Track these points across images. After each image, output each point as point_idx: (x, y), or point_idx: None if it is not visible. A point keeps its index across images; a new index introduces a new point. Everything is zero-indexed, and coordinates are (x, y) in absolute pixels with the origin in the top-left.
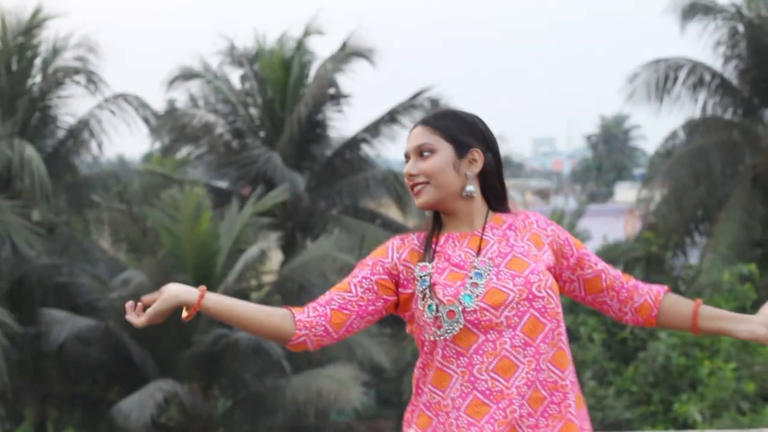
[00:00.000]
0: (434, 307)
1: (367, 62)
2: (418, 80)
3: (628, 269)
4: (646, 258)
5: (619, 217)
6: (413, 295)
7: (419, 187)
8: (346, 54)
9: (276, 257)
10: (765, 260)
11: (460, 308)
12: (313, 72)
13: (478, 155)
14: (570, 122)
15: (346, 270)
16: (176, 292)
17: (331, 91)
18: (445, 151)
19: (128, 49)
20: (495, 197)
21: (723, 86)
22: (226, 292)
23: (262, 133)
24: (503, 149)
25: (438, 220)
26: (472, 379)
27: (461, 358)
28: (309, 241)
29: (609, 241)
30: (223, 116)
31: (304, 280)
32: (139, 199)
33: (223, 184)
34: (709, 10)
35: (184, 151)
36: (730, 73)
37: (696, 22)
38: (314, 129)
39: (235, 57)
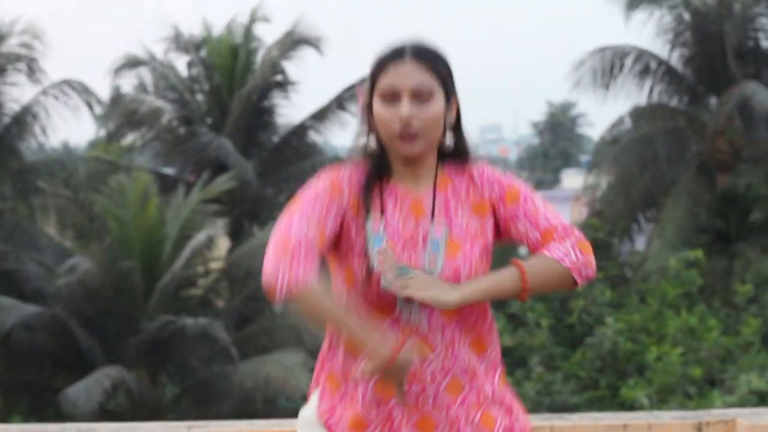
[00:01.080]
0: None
1: (314, 50)
2: (364, 67)
3: None
4: (592, 244)
5: (565, 204)
6: (349, 242)
7: (413, 135)
8: (294, 41)
9: (223, 244)
10: (711, 246)
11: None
12: (260, 59)
13: (455, 102)
14: (516, 109)
15: None
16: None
17: (278, 77)
18: (439, 98)
19: (72, 36)
20: (460, 142)
21: (669, 74)
22: (174, 279)
23: (209, 120)
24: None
25: (382, 162)
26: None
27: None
28: (256, 228)
29: None
30: (170, 102)
31: (251, 266)
32: (85, 186)
33: (169, 170)
34: None
35: (129, 138)
36: (676, 60)
37: (642, 10)
38: (261, 115)
39: (180, 44)
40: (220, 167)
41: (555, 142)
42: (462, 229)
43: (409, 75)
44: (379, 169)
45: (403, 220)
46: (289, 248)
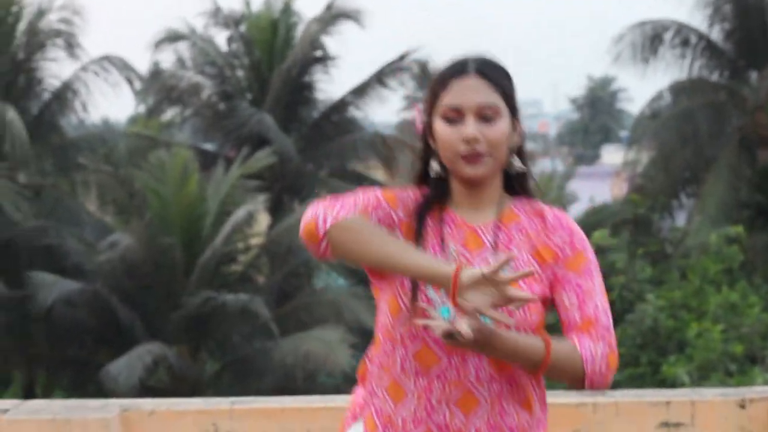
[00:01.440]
0: (452, 315)
1: (354, 23)
2: (406, 42)
3: (615, 231)
4: (633, 220)
5: (605, 179)
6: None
7: (478, 155)
8: (333, 15)
9: (264, 220)
10: (752, 222)
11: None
12: (299, 34)
13: (519, 125)
14: (556, 84)
15: None
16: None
17: (318, 53)
18: (505, 118)
19: (112, 11)
20: (516, 176)
21: (709, 48)
22: (214, 255)
23: (249, 95)
24: None
25: (442, 187)
26: (428, 407)
27: (420, 378)
28: (297, 204)
29: (596, 203)
30: (210, 78)
31: (291, 242)
32: (125, 162)
33: (209, 146)
34: None
35: (169, 114)
36: (717, 34)
37: None
38: (301, 91)
39: (220, 18)
40: (260, 143)
41: (594, 117)
42: (525, 272)
43: (473, 92)
44: (439, 194)
45: (457, 257)
46: (328, 202)
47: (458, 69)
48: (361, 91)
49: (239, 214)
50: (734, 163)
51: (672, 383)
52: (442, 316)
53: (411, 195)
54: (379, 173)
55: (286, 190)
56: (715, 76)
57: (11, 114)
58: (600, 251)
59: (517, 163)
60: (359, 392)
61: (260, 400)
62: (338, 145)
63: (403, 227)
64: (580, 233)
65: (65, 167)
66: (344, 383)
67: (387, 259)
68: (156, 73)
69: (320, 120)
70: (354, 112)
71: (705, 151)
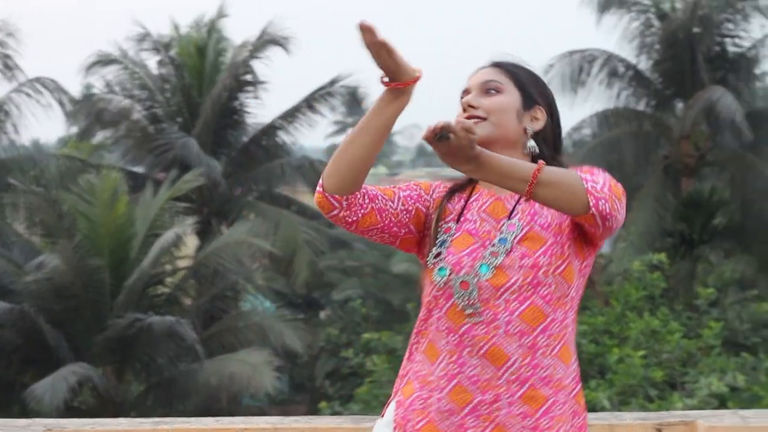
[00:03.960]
0: (446, 273)
1: (282, 50)
2: (334, 68)
3: None
4: None
5: None
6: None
7: (476, 120)
8: (263, 41)
9: (192, 242)
10: (674, 250)
11: (475, 280)
12: (228, 59)
13: (541, 114)
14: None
15: (260, 255)
16: None
17: (248, 77)
18: (512, 95)
19: (45, 34)
20: (546, 156)
21: (636, 78)
22: (142, 277)
23: (179, 119)
24: (418, 138)
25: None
26: (460, 361)
27: (451, 335)
28: (224, 227)
29: None
30: (140, 101)
31: (218, 265)
32: (55, 184)
33: (139, 169)
34: (624, 3)
35: (99, 136)
36: (644, 64)
37: (611, 14)
38: (231, 115)
39: (149, 43)
40: (188, 166)
41: None
42: (547, 221)
43: (481, 74)
44: (465, 180)
45: (479, 222)
46: None
47: (481, 65)
48: (290, 116)
49: (167, 236)
50: (659, 191)
51: (593, 408)
52: (439, 275)
53: (454, 181)
54: (306, 197)
55: (214, 214)
56: (641, 106)
57: None
58: None
59: (530, 143)
60: (402, 367)
61: (182, 420)
62: (267, 169)
63: (434, 204)
64: (594, 169)
65: None
66: (268, 405)
67: (364, 127)
68: (87, 95)
69: (249, 144)
70: (283, 137)
71: (630, 179)
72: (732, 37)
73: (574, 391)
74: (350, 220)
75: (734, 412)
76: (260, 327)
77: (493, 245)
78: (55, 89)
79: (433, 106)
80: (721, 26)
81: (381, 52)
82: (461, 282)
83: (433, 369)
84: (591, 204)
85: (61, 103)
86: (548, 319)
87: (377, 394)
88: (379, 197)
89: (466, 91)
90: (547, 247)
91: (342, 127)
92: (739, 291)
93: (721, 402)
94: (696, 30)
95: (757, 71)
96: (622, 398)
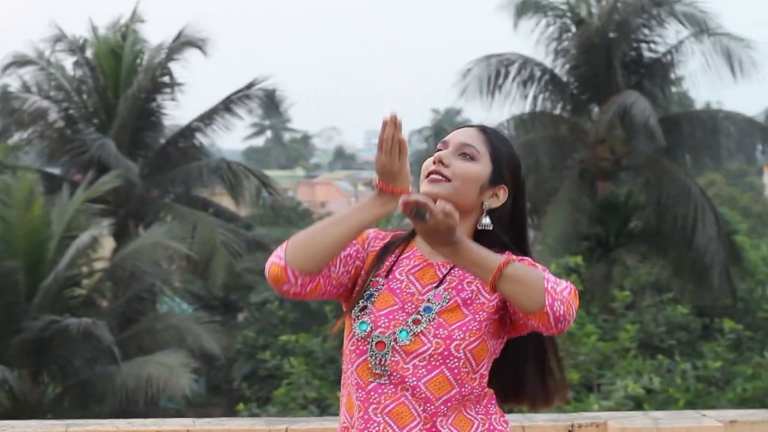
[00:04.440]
0: (367, 327)
1: (199, 52)
2: (253, 73)
3: None
4: None
5: None
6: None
7: (440, 177)
8: (180, 43)
9: (108, 244)
10: (591, 253)
11: (391, 343)
12: (145, 60)
13: (503, 193)
14: (402, 115)
15: (177, 258)
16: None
17: (165, 79)
18: (483, 167)
19: None
20: (494, 235)
21: (553, 82)
22: (57, 279)
23: (95, 121)
24: (337, 140)
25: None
26: (366, 417)
27: (360, 391)
28: (141, 229)
29: None
30: (56, 103)
31: (135, 267)
32: None
33: (55, 170)
34: (541, 8)
35: (16, 137)
36: (560, 69)
37: (528, 19)
38: (148, 117)
39: (66, 44)
40: (105, 167)
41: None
42: (470, 296)
43: (464, 134)
44: (406, 236)
45: (406, 283)
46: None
47: (473, 124)
48: (207, 118)
49: (83, 238)
50: (574, 195)
51: (509, 410)
52: (360, 329)
53: (387, 234)
54: (224, 200)
55: (131, 215)
56: (558, 110)
57: None
58: None
59: (485, 220)
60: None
61: (95, 422)
62: (184, 171)
63: (369, 258)
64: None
65: None
66: (185, 408)
67: (345, 220)
68: (3, 96)
69: (166, 146)
70: (201, 139)
71: (546, 183)
72: (648, 42)
73: None
74: (298, 293)
75: (645, 413)
76: (177, 329)
77: (419, 313)
78: None
79: (348, 109)
80: (637, 31)
81: (395, 150)
82: (378, 342)
83: (353, 422)
84: (546, 303)
85: None
86: (453, 391)
87: (295, 396)
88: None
89: (444, 143)
90: (464, 323)
91: (259, 130)
92: (654, 294)
93: (637, 404)
94: (612, 35)
95: (673, 76)
96: None
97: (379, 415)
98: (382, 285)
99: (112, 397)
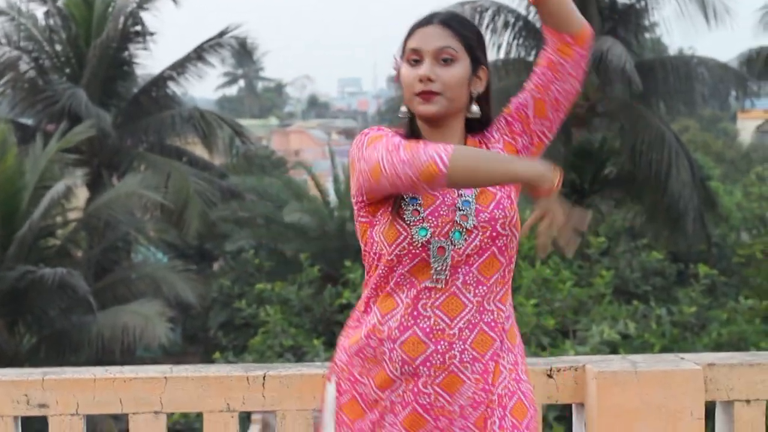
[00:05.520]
0: (428, 233)
1: (170, 1)
2: (225, 21)
3: None
4: None
5: None
6: (390, 202)
7: (431, 94)
8: None
9: (82, 194)
10: (566, 199)
11: (450, 247)
12: (117, 9)
13: (484, 74)
14: (375, 64)
15: (151, 207)
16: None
17: (136, 28)
18: (464, 63)
19: None
20: (486, 113)
21: (526, 29)
22: (32, 229)
23: (67, 70)
24: (310, 89)
25: (413, 126)
26: (415, 313)
27: (411, 289)
28: (115, 179)
29: None
30: (27, 53)
31: (110, 217)
32: None
33: (27, 120)
34: None
35: None
36: (534, 15)
37: None
38: (120, 66)
39: None
40: (77, 118)
41: None
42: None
43: (433, 38)
44: (409, 134)
45: None
46: (408, 143)
47: (424, 19)
48: (180, 67)
49: (57, 188)
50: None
51: None
52: (420, 234)
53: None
54: (197, 148)
55: (105, 165)
56: (531, 57)
57: None
58: None
59: (474, 108)
60: (351, 318)
61: (72, 370)
62: (157, 120)
63: None
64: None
65: None
66: (162, 356)
67: (499, 173)
68: None
69: (139, 95)
70: (173, 88)
71: None
72: None
73: (507, 328)
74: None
75: (624, 357)
76: (153, 278)
77: (460, 209)
78: None
79: (321, 58)
80: None
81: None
82: (439, 247)
83: (385, 320)
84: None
85: None
86: (502, 268)
87: (271, 344)
88: None
89: (416, 52)
90: (498, 200)
91: (232, 78)
92: (629, 240)
93: (613, 349)
94: None
95: (646, 23)
96: None
97: (428, 310)
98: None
99: (89, 346)
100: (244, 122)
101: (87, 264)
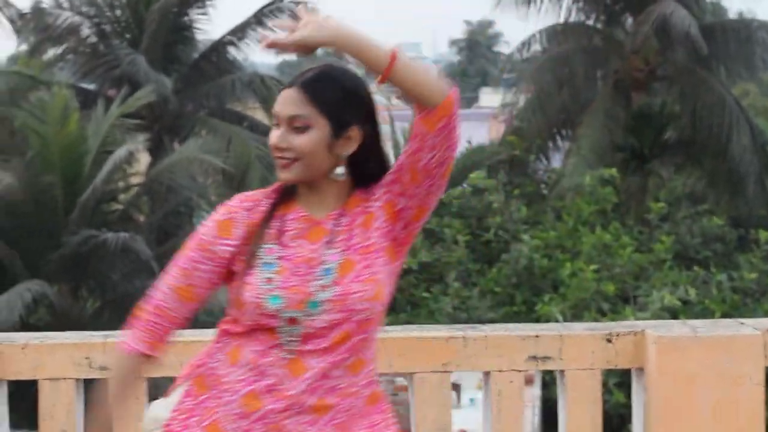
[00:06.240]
0: (279, 303)
1: None
2: None
3: (491, 173)
4: (509, 161)
5: (483, 122)
6: (243, 271)
7: (286, 162)
8: None
9: (144, 159)
10: (626, 165)
11: (303, 319)
12: None
13: (355, 134)
14: (435, 28)
15: (212, 172)
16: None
17: None
18: (320, 129)
19: None
20: (368, 170)
21: None
22: (95, 194)
23: (128, 35)
24: None
25: (287, 189)
26: (260, 369)
27: (259, 348)
28: (176, 144)
29: (473, 144)
30: (88, 18)
31: (171, 182)
32: (6, 101)
33: (89, 86)
34: None
35: (50, 53)
36: None
37: None
38: (180, 31)
39: None
40: (138, 83)
41: (473, 61)
42: (363, 246)
43: (288, 103)
44: (287, 193)
45: (298, 247)
46: (143, 316)
47: (291, 80)
48: (240, 32)
49: (120, 152)
50: (609, 106)
51: (546, 321)
52: (271, 303)
53: (264, 198)
54: (258, 113)
55: (166, 130)
56: (591, 21)
57: None
58: (476, 192)
59: (338, 171)
60: (204, 355)
61: None
62: (217, 86)
63: (246, 238)
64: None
65: None
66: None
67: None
68: (37, 11)
69: (199, 60)
70: (233, 53)
71: (581, 95)
72: None
73: (363, 396)
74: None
75: (683, 322)
76: None
77: (319, 278)
78: (4, 5)
79: (379, 23)
80: None
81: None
82: (290, 318)
83: (231, 371)
84: (449, 89)
85: (11, 20)
86: (353, 340)
87: None
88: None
89: (276, 117)
90: (359, 272)
91: None
92: (690, 205)
93: (673, 316)
94: None
95: None
96: (574, 312)
97: (276, 368)
98: (277, 252)
99: None
100: None
101: (149, 229)
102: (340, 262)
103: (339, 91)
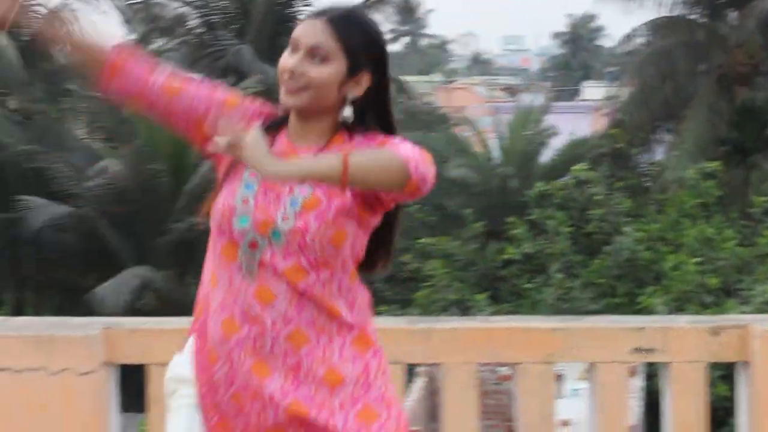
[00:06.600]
0: (247, 225)
1: None
2: None
3: (594, 165)
4: (612, 154)
5: (586, 115)
6: (227, 170)
7: (297, 88)
8: None
9: None
10: (728, 158)
11: (264, 243)
12: None
13: (365, 79)
14: (538, 21)
15: None
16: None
17: None
18: (338, 66)
19: None
20: (365, 119)
21: None
22: (201, 181)
23: (234, 26)
24: (474, 46)
25: (285, 116)
26: (233, 293)
27: (224, 270)
28: None
29: (576, 137)
30: (196, 8)
31: None
32: None
33: (196, 75)
34: None
35: (158, 43)
36: None
37: None
38: (285, 22)
39: None
40: (244, 73)
41: (575, 54)
42: (326, 188)
43: (313, 33)
44: (282, 119)
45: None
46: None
47: (318, 11)
48: None
49: None
50: (712, 100)
51: (649, 314)
52: (240, 223)
53: (266, 116)
54: None
55: None
56: (694, 15)
57: (3, 40)
58: (579, 184)
59: (346, 113)
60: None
61: None
62: None
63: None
64: (395, 140)
65: (55, 93)
66: None
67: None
68: (145, 3)
69: None
70: None
71: (684, 88)
72: None
73: (349, 337)
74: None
75: None
76: None
77: (285, 209)
78: None
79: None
80: None
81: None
82: (251, 242)
83: (215, 295)
84: (411, 171)
85: (120, 10)
86: (310, 278)
87: (435, 299)
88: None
89: (295, 41)
90: (320, 212)
91: (395, 36)
92: None
93: None
94: None
95: None
96: (677, 304)
97: (243, 294)
98: (257, 179)
99: None
100: (408, 78)
101: None
102: (306, 197)
103: (363, 34)
